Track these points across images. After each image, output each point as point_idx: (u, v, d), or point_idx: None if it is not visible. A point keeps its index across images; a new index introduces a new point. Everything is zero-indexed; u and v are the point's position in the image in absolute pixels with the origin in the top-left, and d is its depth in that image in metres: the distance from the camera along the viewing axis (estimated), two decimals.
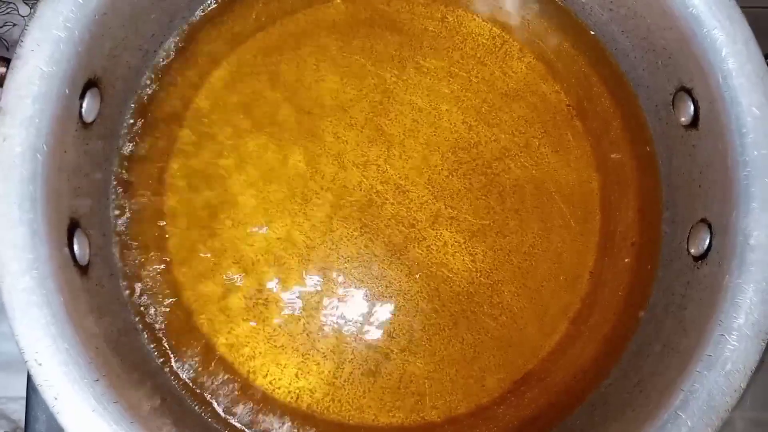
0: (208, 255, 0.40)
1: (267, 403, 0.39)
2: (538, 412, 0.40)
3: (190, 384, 0.39)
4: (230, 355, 0.40)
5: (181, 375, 0.39)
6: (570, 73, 0.43)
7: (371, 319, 0.40)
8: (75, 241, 0.34)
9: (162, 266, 0.40)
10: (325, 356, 0.40)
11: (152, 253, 0.40)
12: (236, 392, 0.39)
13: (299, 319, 0.40)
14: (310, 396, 0.40)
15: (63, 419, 0.30)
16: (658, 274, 0.40)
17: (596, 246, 0.42)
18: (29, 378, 0.42)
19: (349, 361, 0.40)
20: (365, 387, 0.40)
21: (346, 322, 0.40)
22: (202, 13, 0.42)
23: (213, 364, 0.39)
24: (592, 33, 0.43)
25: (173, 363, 0.39)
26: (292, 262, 0.40)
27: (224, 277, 0.40)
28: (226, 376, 0.39)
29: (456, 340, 0.41)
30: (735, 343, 0.32)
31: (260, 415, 0.39)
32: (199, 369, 0.39)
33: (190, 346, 0.39)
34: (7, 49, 0.57)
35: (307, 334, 0.40)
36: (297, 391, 0.40)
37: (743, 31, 0.34)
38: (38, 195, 0.31)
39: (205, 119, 0.41)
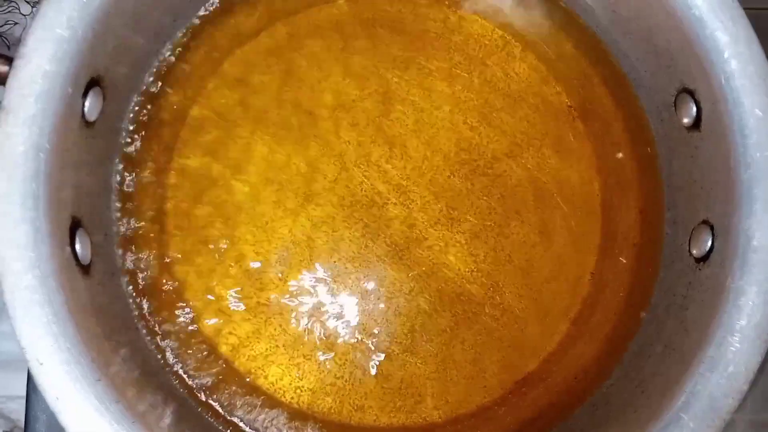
0: (210, 255, 0.40)
1: (268, 403, 0.39)
2: (539, 412, 0.40)
3: (192, 384, 0.39)
4: (231, 355, 0.39)
5: (182, 375, 0.39)
6: (572, 74, 0.43)
7: (372, 320, 0.40)
8: (77, 240, 0.34)
9: (163, 266, 0.40)
10: (326, 356, 0.40)
11: (154, 253, 0.40)
12: (237, 392, 0.39)
13: (300, 320, 0.40)
14: (311, 396, 0.39)
15: (64, 419, 0.30)
16: (660, 275, 0.40)
17: (597, 247, 0.42)
18: (29, 377, 0.42)
19: (351, 362, 0.40)
20: (366, 387, 0.40)
21: (347, 322, 0.40)
22: (205, 13, 0.42)
23: (214, 364, 0.39)
24: (594, 34, 0.43)
25: (174, 363, 0.39)
26: (294, 262, 0.40)
27: (225, 278, 0.40)
28: (227, 377, 0.39)
29: (457, 340, 0.41)
30: (737, 344, 0.32)
31: (261, 416, 0.39)
32: (201, 369, 0.39)
33: (191, 345, 0.39)
34: (8, 47, 0.57)
35: (308, 335, 0.40)
36: (298, 391, 0.40)
37: (746, 33, 0.34)
38: (41, 193, 0.31)
39: (208, 119, 0.41)
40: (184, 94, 0.41)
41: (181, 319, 0.39)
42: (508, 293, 0.41)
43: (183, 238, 0.40)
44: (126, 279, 0.39)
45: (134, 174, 0.40)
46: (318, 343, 0.40)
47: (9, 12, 0.57)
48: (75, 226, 0.34)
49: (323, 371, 0.40)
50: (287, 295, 0.40)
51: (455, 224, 0.41)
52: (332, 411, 0.39)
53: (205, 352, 0.39)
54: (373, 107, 0.42)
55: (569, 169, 0.43)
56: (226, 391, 0.39)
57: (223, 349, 0.40)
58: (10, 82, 0.31)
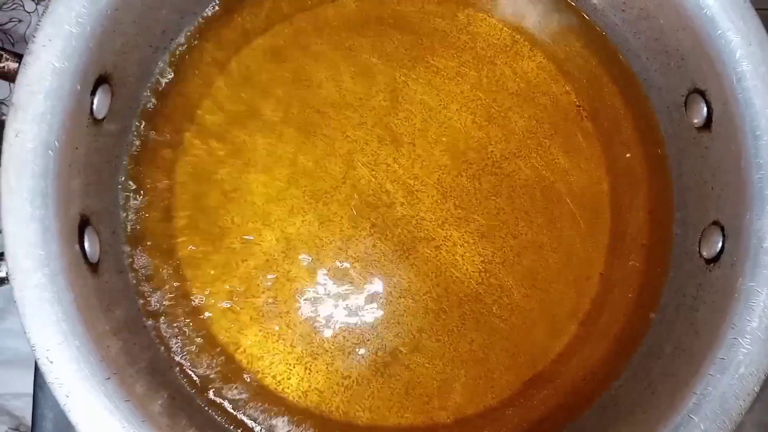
0: (218, 253, 0.40)
1: (276, 402, 0.39)
2: (547, 413, 0.40)
3: (200, 383, 0.39)
4: (239, 354, 0.39)
5: (190, 373, 0.39)
6: (581, 73, 0.43)
7: (379, 319, 0.40)
8: (86, 237, 0.33)
9: (171, 264, 0.40)
10: (333, 356, 0.40)
11: (162, 251, 0.40)
12: (245, 391, 0.39)
13: (308, 319, 0.40)
14: (319, 396, 0.39)
15: (74, 417, 0.30)
16: (669, 276, 0.40)
17: (606, 247, 0.42)
18: (36, 375, 0.42)
19: (358, 362, 0.40)
20: (374, 387, 0.40)
21: (354, 322, 0.40)
22: (213, 10, 0.42)
23: (222, 363, 0.39)
24: (604, 33, 0.43)
25: (183, 361, 0.39)
26: (301, 261, 0.40)
27: (233, 276, 0.40)
28: (235, 375, 0.39)
29: (464, 341, 0.40)
30: (748, 346, 0.32)
31: (269, 415, 0.39)
32: (209, 368, 0.39)
33: (199, 344, 0.39)
34: (13, 44, 0.57)
35: (316, 334, 0.40)
36: (306, 390, 0.39)
37: (758, 33, 0.34)
38: (50, 191, 0.30)
39: (215, 117, 0.41)
40: (192, 92, 0.41)
41: (189, 317, 0.39)
42: (516, 293, 0.41)
43: (191, 237, 0.40)
44: (134, 277, 0.39)
45: (142, 172, 0.40)
46: (325, 342, 0.40)
47: (14, 9, 0.57)
48: (83, 223, 0.34)
49: (331, 371, 0.40)
50: (295, 295, 0.40)
51: (463, 224, 0.41)
52: (339, 411, 0.39)
53: (213, 351, 0.39)
54: (381, 106, 0.42)
55: (578, 169, 0.42)
56: (234, 390, 0.39)
57: (231, 347, 0.39)
58: (19, 78, 0.31)
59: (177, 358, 0.39)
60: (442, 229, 0.41)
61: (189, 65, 0.41)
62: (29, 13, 0.58)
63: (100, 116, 0.35)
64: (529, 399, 0.40)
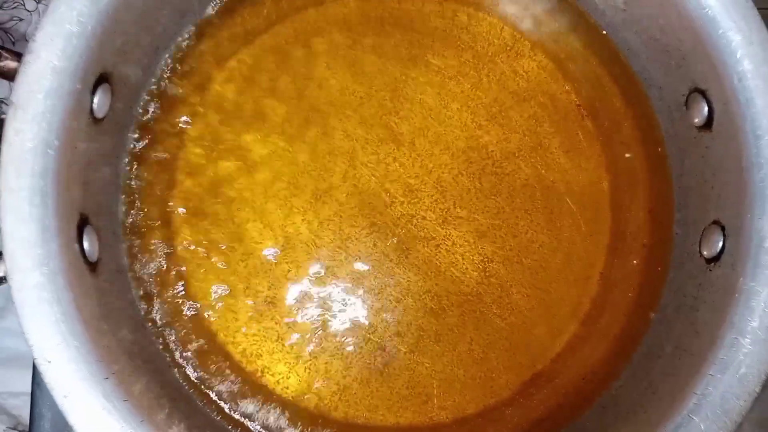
0: (217, 253, 0.40)
1: (275, 402, 0.39)
2: (547, 413, 0.40)
3: (198, 383, 0.39)
4: (238, 354, 0.39)
5: (189, 373, 0.39)
6: (581, 72, 0.43)
7: (379, 319, 0.40)
8: (85, 237, 0.33)
9: (171, 264, 0.40)
10: (332, 356, 0.40)
11: (161, 251, 0.40)
12: (244, 391, 0.39)
13: (307, 319, 0.40)
14: (318, 395, 0.39)
15: (72, 417, 0.29)
16: (670, 276, 0.40)
17: (606, 247, 0.42)
18: (34, 375, 0.42)
19: (357, 361, 0.40)
20: (373, 387, 0.40)
21: (354, 321, 0.40)
22: (213, 10, 0.42)
23: (221, 362, 0.39)
24: (604, 33, 0.43)
25: (181, 361, 0.39)
26: (301, 260, 0.40)
27: (232, 275, 0.40)
28: (233, 375, 0.39)
29: (464, 340, 0.40)
30: (749, 346, 0.32)
31: (269, 414, 0.39)
32: (207, 367, 0.39)
33: (198, 344, 0.39)
34: (13, 43, 0.57)
35: (316, 334, 0.40)
36: (305, 390, 0.39)
37: (759, 32, 0.34)
38: (49, 190, 0.30)
39: (216, 115, 0.41)
40: (192, 91, 0.41)
41: (189, 316, 0.39)
42: (516, 293, 0.41)
43: (190, 236, 0.40)
44: (133, 276, 0.39)
45: (142, 171, 0.40)
46: (325, 342, 0.40)
47: (15, 8, 0.57)
48: (83, 223, 0.34)
49: (330, 370, 0.39)
50: (294, 294, 0.40)
51: (463, 223, 0.41)
52: (339, 410, 0.39)
53: (212, 351, 0.39)
54: (381, 105, 0.42)
55: (578, 169, 0.42)
56: (233, 389, 0.39)
57: (230, 347, 0.39)
58: (19, 77, 0.31)
59: (176, 358, 0.39)
60: (442, 229, 0.41)
61: (189, 64, 0.41)
62: (30, 12, 0.58)
63: (100, 116, 0.35)
64: (528, 399, 0.40)
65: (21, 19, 0.56)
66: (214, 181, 0.40)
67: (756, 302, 0.32)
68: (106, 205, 0.37)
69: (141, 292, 0.39)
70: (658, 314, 0.40)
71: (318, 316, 0.40)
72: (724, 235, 0.36)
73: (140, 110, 0.40)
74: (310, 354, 0.40)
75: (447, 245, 0.41)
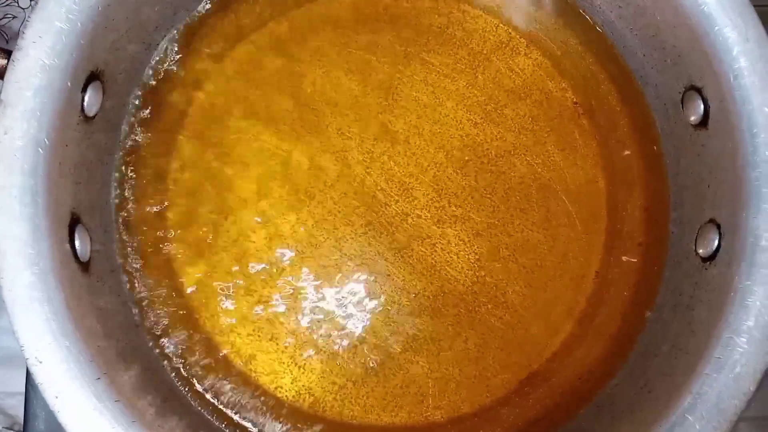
0: (211, 252, 0.40)
1: (270, 402, 0.39)
2: (543, 412, 0.40)
3: (192, 382, 0.39)
4: (232, 354, 0.39)
5: (182, 373, 0.39)
6: (577, 70, 0.43)
7: (374, 318, 0.40)
8: (76, 236, 0.33)
9: (163, 263, 0.39)
10: (328, 355, 0.39)
11: (154, 250, 0.39)
12: (238, 390, 0.39)
13: (302, 318, 0.40)
14: (313, 395, 0.39)
15: (63, 418, 0.29)
16: (665, 275, 0.40)
17: (602, 245, 0.42)
18: (28, 374, 0.42)
19: (353, 361, 0.40)
20: (368, 386, 0.39)
21: (348, 320, 0.40)
22: (206, 7, 0.42)
23: (215, 362, 0.39)
24: (600, 30, 0.43)
25: (174, 361, 0.39)
26: (296, 259, 0.40)
27: (227, 275, 0.40)
28: (228, 375, 0.39)
29: (460, 339, 0.40)
30: (744, 345, 0.32)
31: (263, 414, 0.39)
32: (201, 367, 0.39)
33: (191, 343, 0.39)
34: (7, 41, 0.56)
35: (310, 333, 0.40)
36: (300, 390, 0.39)
37: (755, 30, 0.34)
38: (39, 189, 0.30)
39: (208, 114, 0.41)
40: (185, 89, 0.41)
41: (181, 316, 0.39)
42: (512, 292, 0.41)
43: (183, 235, 0.40)
44: (125, 276, 0.39)
45: (134, 170, 0.40)
46: (320, 341, 0.39)
47: (8, 5, 0.57)
48: (74, 222, 0.33)
49: (325, 370, 0.39)
50: (289, 294, 0.40)
51: (458, 222, 0.41)
52: (334, 410, 0.39)
53: (205, 350, 0.39)
54: (376, 103, 0.42)
55: (574, 167, 0.42)
56: (227, 389, 0.39)
57: (224, 347, 0.39)
58: (8, 75, 0.30)
59: (168, 358, 0.39)
60: (438, 227, 0.41)
61: (182, 62, 0.41)
62: (23, 9, 0.58)
63: (91, 114, 0.35)
64: (524, 398, 0.40)
65: (14, 17, 0.56)
66: (207, 179, 0.40)
67: (752, 301, 0.32)
68: (97, 203, 0.37)
69: (133, 292, 0.39)
70: (654, 313, 0.40)
71: (313, 316, 0.40)
72: (720, 234, 0.35)
73: (132, 108, 0.40)
74: (304, 354, 0.39)
75: (442, 244, 0.41)
